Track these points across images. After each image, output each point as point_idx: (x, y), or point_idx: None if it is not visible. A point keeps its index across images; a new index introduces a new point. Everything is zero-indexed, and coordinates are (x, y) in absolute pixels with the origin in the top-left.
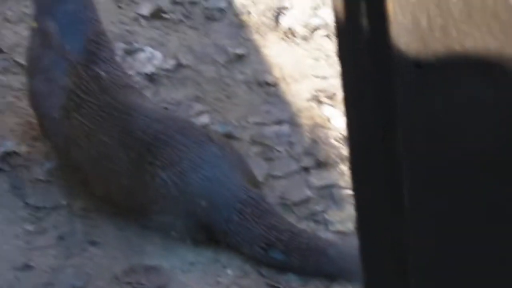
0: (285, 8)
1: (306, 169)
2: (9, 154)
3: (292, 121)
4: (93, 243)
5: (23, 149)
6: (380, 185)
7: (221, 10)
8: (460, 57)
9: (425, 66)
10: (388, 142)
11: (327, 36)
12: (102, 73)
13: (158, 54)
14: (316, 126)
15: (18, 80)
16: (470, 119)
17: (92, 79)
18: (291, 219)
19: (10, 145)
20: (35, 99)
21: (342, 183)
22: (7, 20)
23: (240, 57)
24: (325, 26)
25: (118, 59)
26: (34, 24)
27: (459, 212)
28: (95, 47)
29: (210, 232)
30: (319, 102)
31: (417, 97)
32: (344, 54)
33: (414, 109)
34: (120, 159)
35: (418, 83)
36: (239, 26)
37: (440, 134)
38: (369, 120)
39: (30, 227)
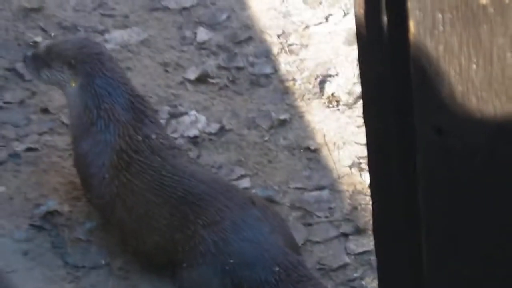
0: (329, 75)
1: (345, 235)
2: (51, 213)
3: (333, 187)
4: None
5: (65, 208)
6: (402, 246)
7: (266, 76)
8: (479, 124)
9: (445, 132)
10: (410, 202)
11: None
12: (152, 134)
13: (202, 118)
14: (356, 192)
15: (64, 141)
16: (491, 182)
17: (143, 139)
18: (329, 284)
19: (52, 204)
20: (83, 159)
21: None
22: None
23: (283, 123)
24: None
25: (162, 122)
26: (73, 83)
27: (479, 273)
28: (142, 108)
29: None
30: (360, 168)
31: (438, 160)
32: (369, 118)
33: (435, 171)
34: (164, 217)
35: (439, 147)
36: (284, 92)
37: (460, 195)
38: (392, 181)
39: (69, 286)
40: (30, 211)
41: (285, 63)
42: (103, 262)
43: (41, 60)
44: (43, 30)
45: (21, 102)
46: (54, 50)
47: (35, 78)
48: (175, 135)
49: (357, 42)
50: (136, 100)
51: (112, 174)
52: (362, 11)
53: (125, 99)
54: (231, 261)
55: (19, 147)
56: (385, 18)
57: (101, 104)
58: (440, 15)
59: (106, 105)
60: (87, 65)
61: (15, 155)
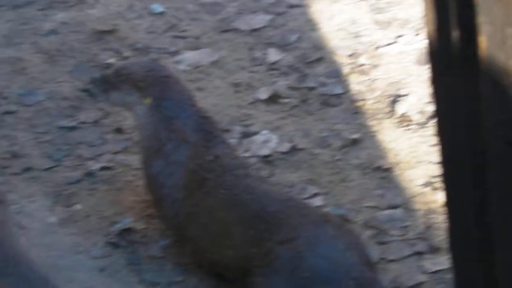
0: (400, 95)
1: (419, 254)
2: (126, 231)
3: (406, 206)
4: None
5: (140, 226)
6: (477, 263)
7: (337, 96)
8: None
9: None
10: (482, 217)
11: None
12: (222, 154)
13: (274, 137)
14: (430, 211)
15: (137, 160)
16: None
17: (214, 159)
18: None
19: (127, 221)
20: (155, 180)
21: None
22: None
23: (355, 142)
24: None
25: (234, 141)
26: (148, 101)
27: None
28: (210, 129)
29: None
30: (434, 188)
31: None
32: (442, 133)
33: (507, 183)
34: (238, 234)
35: (511, 159)
36: (355, 112)
37: None
38: (466, 194)
39: None
40: (106, 228)
41: (356, 83)
42: (178, 279)
43: (110, 83)
44: (116, 52)
45: (96, 122)
46: (123, 73)
47: (104, 100)
48: (247, 155)
49: (429, 58)
50: (205, 121)
51: (185, 194)
52: (433, 27)
53: (194, 120)
54: (307, 277)
55: (94, 166)
56: (455, 34)
57: (171, 126)
58: (510, 30)
59: (175, 127)
60: (155, 88)
61: (90, 174)
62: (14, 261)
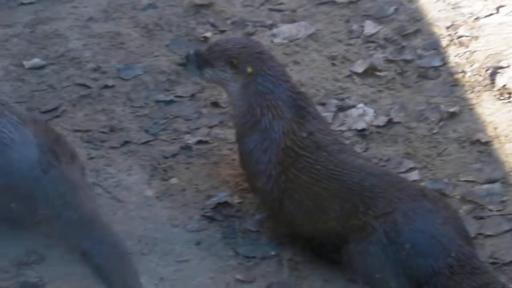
0: (501, 67)
1: None
2: (222, 205)
3: (505, 180)
4: None
5: (235, 200)
6: None
7: (435, 68)
8: None
9: None
10: None
11: None
12: (315, 130)
13: (370, 111)
14: None
15: (233, 134)
16: None
17: (307, 135)
18: (503, 279)
19: (223, 195)
20: (249, 157)
21: None
22: None
23: (453, 115)
24: None
25: (330, 114)
26: (250, 70)
27: None
28: (304, 105)
29: (417, 284)
30: None
31: None
32: None
33: None
34: (333, 209)
35: None
36: (453, 84)
37: None
38: None
39: (240, 276)
40: (201, 202)
41: (455, 55)
42: (272, 252)
43: (204, 59)
44: (213, 25)
45: (192, 96)
46: (217, 50)
47: (198, 77)
48: (342, 128)
49: None
50: (298, 97)
51: (279, 170)
52: None
53: (287, 96)
54: (403, 251)
55: (190, 140)
56: None
57: (264, 102)
58: None
59: (269, 103)
60: (249, 64)
61: (186, 148)
62: (89, 225)
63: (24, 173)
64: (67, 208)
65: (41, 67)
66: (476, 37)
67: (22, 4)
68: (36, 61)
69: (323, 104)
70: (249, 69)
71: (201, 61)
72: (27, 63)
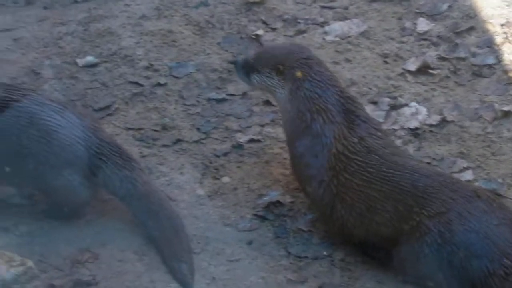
0: None
1: None
2: (273, 204)
3: None
4: None
5: (287, 199)
6: None
7: (489, 66)
8: None
9: None
10: None
11: None
12: (366, 135)
13: (423, 109)
14: None
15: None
16: None
17: (358, 140)
18: None
19: (275, 195)
20: (300, 161)
21: None
22: None
23: (507, 114)
24: None
25: (382, 113)
26: (299, 74)
27: None
28: (353, 109)
29: (471, 285)
30: None
31: None
32: None
33: None
34: (387, 210)
35: None
36: (508, 82)
37: None
38: None
39: (291, 276)
40: (253, 201)
41: (509, 53)
42: (324, 253)
43: (251, 66)
44: (265, 23)
45: (244, 94)
46: (263, 56)
47: (245, 83)
48: (395, 127)
49: None
50: (347, 101)
51: (331, 175)
52: None
53: (336, 100)
54: (457, 251)
55: (242, 138)
56: None
57: (314, 107)
58: None
59: (318, 107)
60: (295, 70)
61: (238, 146)
62: (145, 198)
63: (80, 154)
64: (125, 182)
65: (94, 65)
66: None
67: (76, 2)
68: (89, 59)
69: (375, 103)
70: (299, 74)
71: (248, 67)
72: (80, 61)
